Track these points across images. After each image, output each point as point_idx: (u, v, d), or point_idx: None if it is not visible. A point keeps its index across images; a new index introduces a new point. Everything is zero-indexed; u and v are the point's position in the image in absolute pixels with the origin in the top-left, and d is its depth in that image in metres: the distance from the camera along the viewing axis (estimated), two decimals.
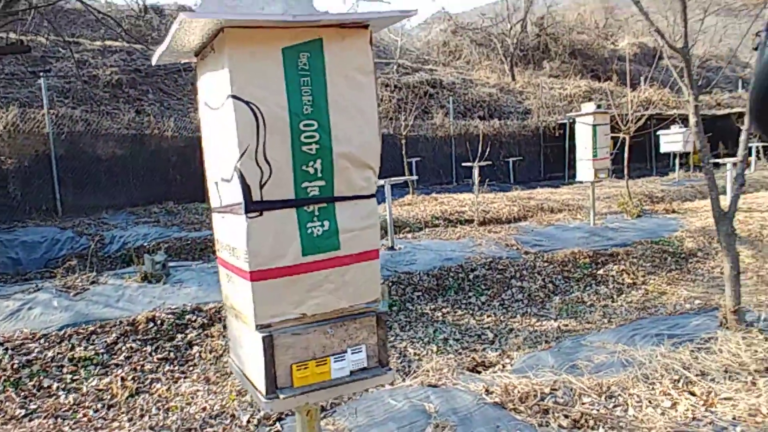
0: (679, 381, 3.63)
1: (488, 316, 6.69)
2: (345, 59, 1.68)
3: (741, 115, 15.72)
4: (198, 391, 4.65)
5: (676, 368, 3.77)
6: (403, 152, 14.44)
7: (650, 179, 15.14)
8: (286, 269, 1.68)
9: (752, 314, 4.49)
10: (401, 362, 5.54)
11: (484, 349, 5.74)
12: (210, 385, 4.78)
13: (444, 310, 6.85)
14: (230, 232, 1.79)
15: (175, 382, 4.88)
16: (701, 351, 4.01)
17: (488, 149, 15.69)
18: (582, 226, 9.38)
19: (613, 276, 7.60)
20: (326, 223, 1.73)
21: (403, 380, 4.55)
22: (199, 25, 1.53)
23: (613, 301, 6.94)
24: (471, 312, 6.83)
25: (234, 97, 1.58)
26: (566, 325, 6.25)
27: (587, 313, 6.58)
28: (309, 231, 1.70)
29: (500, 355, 5.45)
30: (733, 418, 3.19)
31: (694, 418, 3.23)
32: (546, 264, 7.82)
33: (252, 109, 1.59)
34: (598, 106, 8.88)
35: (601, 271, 7.71)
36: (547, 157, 18.88)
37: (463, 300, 7.12)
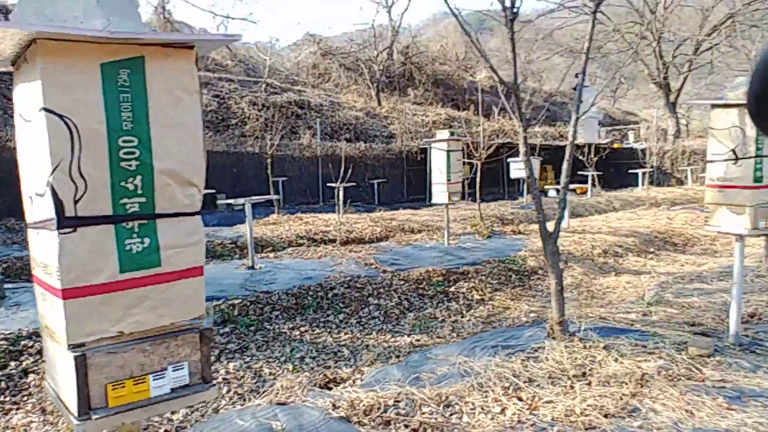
0: (509, 388, 3.94)
1: (345, 334, 6.80)
2: (168, 78, 1.70)
3: (578, 146, 17.37)
4: (32, 422, 4.30)
5: (508, 376, 4.08)
6: (269, 171, 14.33)
7: (502, 203, 16.21)
8: (102, 287, 1.65)
9: (575, 325, 4.97)
10: (256, 382, 5.48)
11: (339, 366, 5.83)
12: (46, 415, 4.44)
13: (302, 328, 6.87)
14: (44, 248, 1.72)
15: (6, 414, 4.47)
16: (530, 360, 4.38)
17: (354, 171, 16.00)
18: (437, 246, 9.84)
19: (463, 293, 8.03)
20: (146, 240, 1.72)
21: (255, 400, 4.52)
22: (8, 34, 1.49)
23: (462, 316, 7.33)
24: (329, 330, 6.90)
25: (46, 110, 1.54)
26: (418, 340, 6.51)
27: (438, 328, 6.89)
28: (128, 248, 1.69)
29: (354, 371, 5.57)
30: (552, 419, 3.52)
31: (519, 421, 3.52)
32: (402, 282, 8.11)
33: (66, 123, 1.56)
34: (452, 134, 9.43)
35: (452, 288, 8.12)
36: (410, 180, 19.63)
37: (322, 318, 7.18)
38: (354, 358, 6.06)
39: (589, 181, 16.41)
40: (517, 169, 14.11)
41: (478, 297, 7.98)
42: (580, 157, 16.57)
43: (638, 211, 13.83)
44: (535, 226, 12.17)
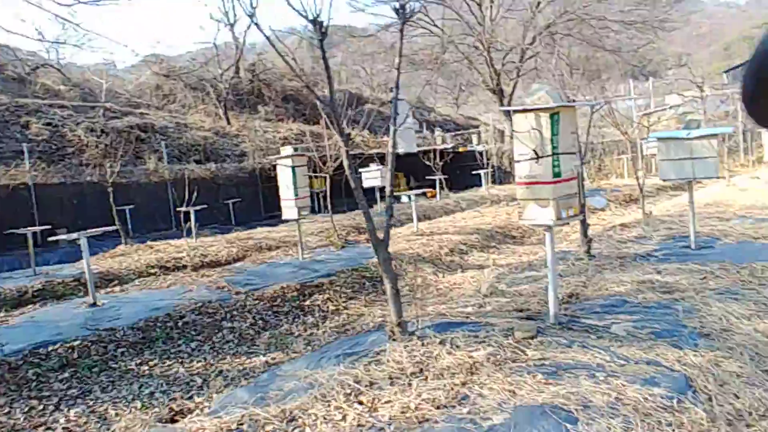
0: (351, 394, 4.06)
1: (198, 362, 6.62)
2: None
3: (425, 153, 18.28)
4: None
5: (350, 383, 4.20)
6: (112, 200, 13.54)
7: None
8: None
9: (414, 325, 5.23)
10: (100, 426, 5.20)
11: (190, 396, 5.67)
12: None
13: (151, 363, 6.60)
14: None
15: None
16: (372, 364, 4.54)
17: (207, 192, 15.57)
18: (292, 261, 9.86)
19: (318, 305, 8.12)
20: None
21: None
22: None
23: (318, 329, 7.41)
24: (180, 360, 6.69)
25: None
26: (274, 359, 6.49)
27: (294, 344, 6.92)
28: None
29: (205, 399, 5.46)
30: (390, 418, 3.68)
31: (359, 425, 3.64)
32: (256, 302, 8.04)
33: None
34: (295, 150, 9.54)
35: (308, 302, 8.18)
36: (266, 197, 19.42)
37: (173, 349, 6.94)
38: (206, 386, 5.92)
39: (437, 185, 17.27)
40: (368, 178, 14.52)
41: (333, 307, 8.10)
42: (428, 163, 17.42)
43: (481, 209, 14.76)
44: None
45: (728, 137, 19.11)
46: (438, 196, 17.63)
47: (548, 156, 4.75)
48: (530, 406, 3.62)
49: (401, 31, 4.56)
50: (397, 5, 4.56)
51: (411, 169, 21.04)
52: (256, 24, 4.07)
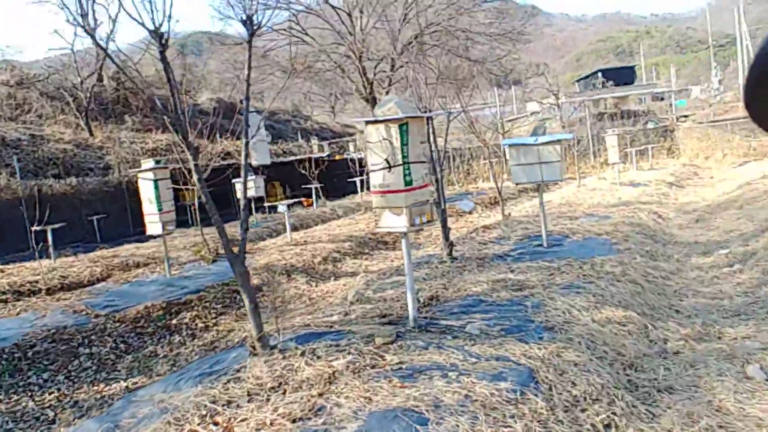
0: (206, 415, 3.96)
1: (51, 394, 6.18)
2: None
3: (301, 161, 18.22)
4: None
5: (206, 403, 4.10)
6: None
7: (234, 223, 16.09)
8: None
9: (276, 338, 5.19)
10: None
11: None
12: None
13: None
14: None
15: None
16: (232, 381, 4.45)
17: (68, 209, 14.55)
18: (159, 279, 9.45)
19: (186, 323, 7.85)
20: None
21: None
22: None
23: (185, 348, 7.16)
24: (30, 393, 6.22)
25: None
26: (136, 383, 6.21)
27: (158, 366, 6.65)
28: None
29: None
30: None
31: None
32: (118, 324, 7.63)
33: None
34: (157, 162, 9.15)
35: (175, 321, 7.89)
36: (134, 212, 18.40)
37: (21, 382, 6.43)
38: (58, 420, 5.54)
39: (314, 193, 17.28)
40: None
41: (202, 324, 7.87)
42: (304, 171, 17.39)
43: (357, 216, 14.94)
44: (263, 243, 12.44)
45: (577, 142, 20.69)
46: (315, 204, 17.64)
47: (399, 165, 4.90)
48: (384, 411, 3.71)
49: (249, 42, 4.54)
50: (244, 16, 4.54)
51: (287, 178, 20.87)
52: (107, 54, 3.90)
